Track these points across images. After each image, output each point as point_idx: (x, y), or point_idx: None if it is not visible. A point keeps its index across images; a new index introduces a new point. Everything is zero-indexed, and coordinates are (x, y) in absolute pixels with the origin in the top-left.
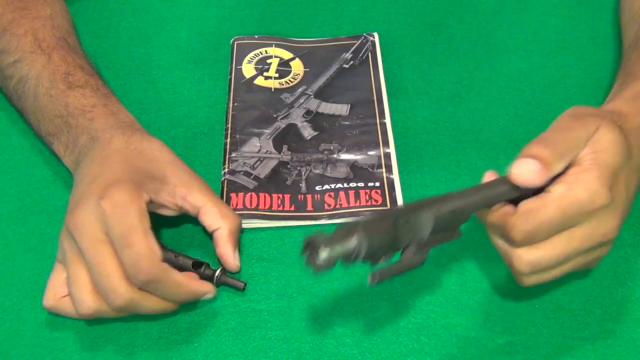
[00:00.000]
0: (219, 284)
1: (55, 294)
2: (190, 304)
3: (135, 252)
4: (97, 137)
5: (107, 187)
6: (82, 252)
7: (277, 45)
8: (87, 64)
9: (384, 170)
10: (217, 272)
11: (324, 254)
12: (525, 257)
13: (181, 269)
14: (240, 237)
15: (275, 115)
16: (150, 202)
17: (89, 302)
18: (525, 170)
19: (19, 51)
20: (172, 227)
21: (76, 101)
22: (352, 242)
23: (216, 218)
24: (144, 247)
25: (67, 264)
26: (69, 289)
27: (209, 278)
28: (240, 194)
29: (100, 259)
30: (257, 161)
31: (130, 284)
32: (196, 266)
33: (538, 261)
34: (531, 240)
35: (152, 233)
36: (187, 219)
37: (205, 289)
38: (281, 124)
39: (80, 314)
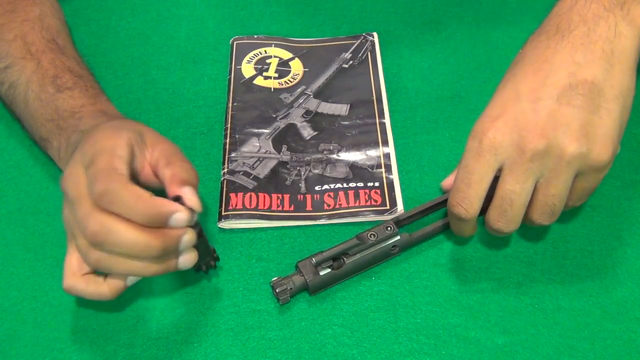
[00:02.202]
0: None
1: (73, 272)
2: (192, 304)
3: (95, 167)
4: (86, 130)
5: (89, 136)
6: (68, 199)
7: (276, 45)
8: (76, 66)
9: (383, 170)
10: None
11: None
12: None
13: None
14: (197, 184)
15: (274, 115)
16: (133, 150)
17: (90, 250)
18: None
19: (9, 57)
20: None
21: (65, 103)
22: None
23: (162, 169)
24: (105, 162)
25: (72, 228)
26: (76, 246)
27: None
28: (240, 194)
29: (79, 192)
30: (256, 161)
31: (103, 210)
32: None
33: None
34: None
35: (124, 160)
36: None
37: (173, 207)
38: (280, 124)
39: (88, 262)
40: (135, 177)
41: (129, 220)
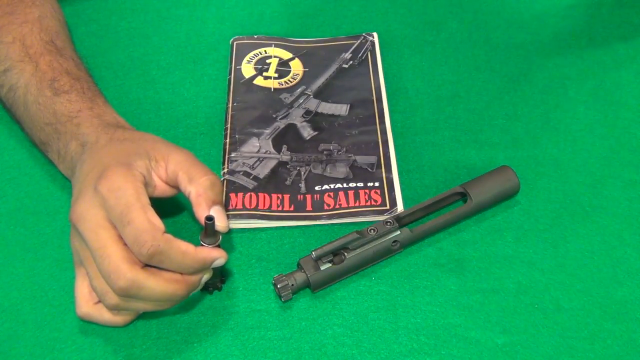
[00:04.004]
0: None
1: (87, 300)
2: (191, 304)
3: (135, 227)
4: (85, 142)
5: (101, 174)
6: (86, 242)
7: (276, 45)
8: (74, 67)
9: (383, 170)
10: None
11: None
12: None
13: None
14: (223, 197)
15: (274, 115)
16: (145, 183)
17: (109, 294)
18: None
19: (8, 60)
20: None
21: (63, 107)
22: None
23: (185, 185)
24: (144, 221)
25: (84, 264)
26: (91, 286)
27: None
28: (240, 194)
29: (102, 242)
30: (256, 161)
31: (131, 264)
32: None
33: None
34: None
35: (152, 209)
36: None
37: (214, 254)
38: (280, 124)
39: (107, 306)
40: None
41: (160, 273)
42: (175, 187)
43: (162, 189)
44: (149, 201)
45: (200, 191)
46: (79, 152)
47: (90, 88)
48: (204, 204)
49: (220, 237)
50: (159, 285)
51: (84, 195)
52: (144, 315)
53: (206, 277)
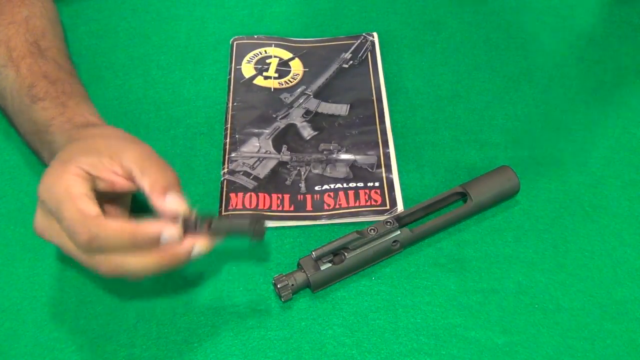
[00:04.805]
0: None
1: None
2: (191, 303)
3: (67, 220)
4: (53, 152)
5: (41, 181)
6: (65, 250)
7: (276, 45)
8: (53, 69)
9: (383, 170)
10: (187, 219)
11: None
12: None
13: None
14: (179, 185)
15: (274, 115)
16: (90, 179)
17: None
18: None
19: None
20: None
21: (39, 116)
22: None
23: (138, 179)
24: (74, 213)
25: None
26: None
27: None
28: (240, 194)
29: (66, 246)
30: (256, 161)
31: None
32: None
33: None
34: None
35: (89, 197)
36: None
37: (154, 228)
38: (281, 124)
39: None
40: (109, 195)
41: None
42: (132, 182)
43: (121, 185)
44: (88, 191)
45: (152, 181)
46: None
47: (65, 91)
48: (156, 193)
49: (193, 215)
50: (139, 262)
51: (38, 207)
52: (144, 316)
53: (199, 247)
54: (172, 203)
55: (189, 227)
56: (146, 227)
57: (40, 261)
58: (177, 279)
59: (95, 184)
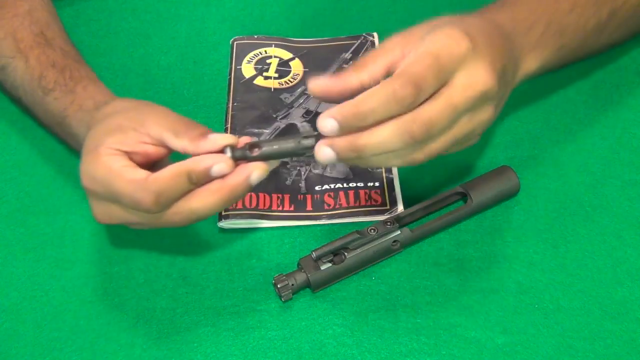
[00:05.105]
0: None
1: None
2: (191, 303)
3: (125, 196)
4: (80, 144)
5: (81, 173)
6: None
7: (276, 45)
8: (60, 57)
9: (383, 170)
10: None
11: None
12: (420, 116)
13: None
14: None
15: (274, 115)
16: (124, 153)
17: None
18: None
19: (2, 57)
20: None
21: (53, 107)
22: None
23: (172, 142)
24: (127, 186)
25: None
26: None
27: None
28: None
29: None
30: None
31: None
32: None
33: (432, 119)
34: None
35: (130, 166)
36: None
37: (206, 159)
38: (281, 124)
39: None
40: (146, 167)
41: (195, 192)
42: (164, 146)
43: (155, 152)
44: (128, 162)
45: (191, 137)
46: None
47: (73, 76)
48: (197, 143)
49: (239, 146)
50: (206, 202)
51: (89, 200)
52: (144, 315)
53: (256, 174)
54: (217, 139)
55: (238, 156)
56: (196, 162)
57: (40, 261)
58: (177, 279)
59: (130, 158)
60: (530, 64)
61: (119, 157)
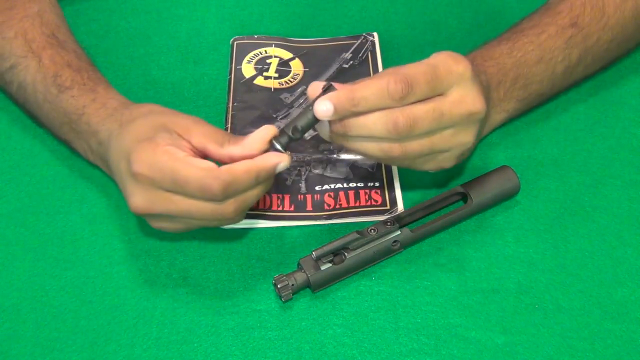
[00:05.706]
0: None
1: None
2: (191, 303)
3: (193, 181)
4: (101, 140)
5: (130, 160)
6: (172, 205)
7: (276, 45)
8: (75, 59)
9: (383, 170)
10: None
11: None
12: (407, 111)
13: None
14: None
15: (275, 115)
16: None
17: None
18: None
19: (13, 56)
20: None
21: (69, 105)
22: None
23: (217, 152)
24: (196, 171)
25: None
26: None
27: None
28: None
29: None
30: None
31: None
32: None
33: (417, 117)
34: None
35: (192, 156)
36: None
37: (272, 159)
38: (281, 124)
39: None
40: None
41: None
42: (202, 155)
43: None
44: (185, 153)
45: (237, 147)
46: (101, 150)
47: (91, 77)
48: (242, 149)
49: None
50: (255, 193)
51: (132, 187)
52: (144, 315)
53: (283, 165)
54: (262, 134)
55: (285, 142)
56: (265, 161)
57: (40, 261)
58: (177, 279)
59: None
60: (496, 117)
61: (178, 149)
